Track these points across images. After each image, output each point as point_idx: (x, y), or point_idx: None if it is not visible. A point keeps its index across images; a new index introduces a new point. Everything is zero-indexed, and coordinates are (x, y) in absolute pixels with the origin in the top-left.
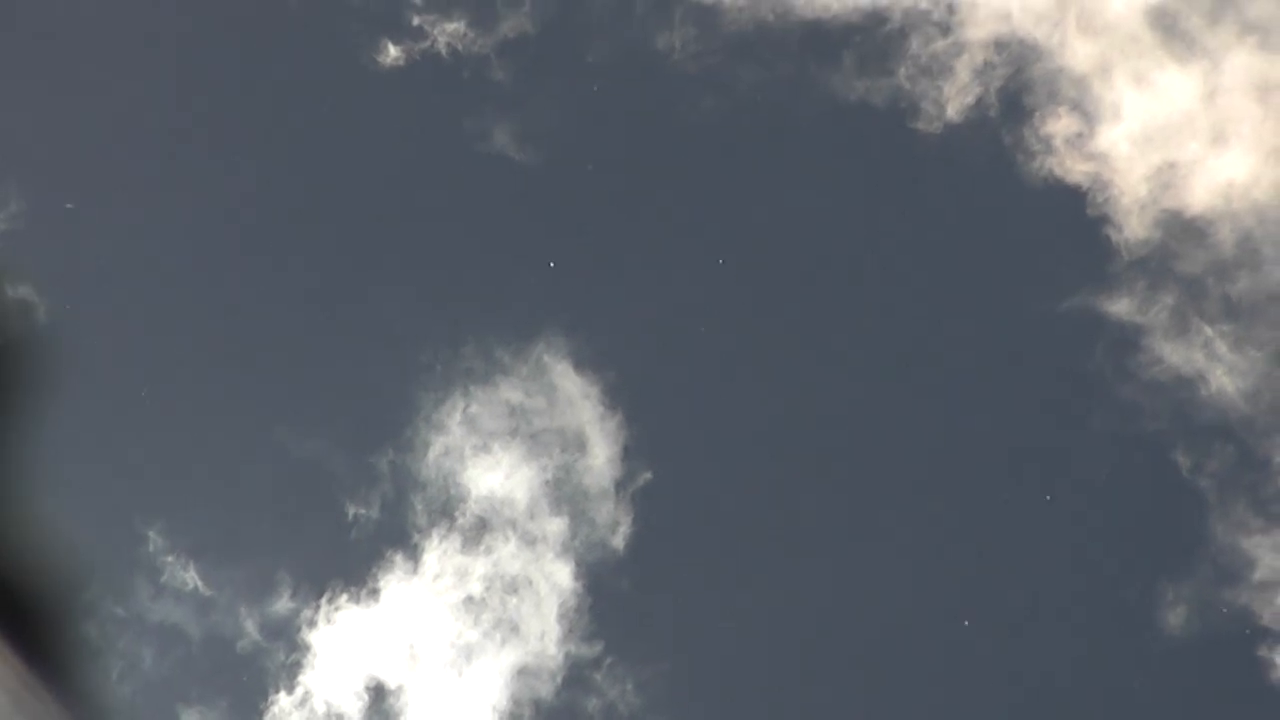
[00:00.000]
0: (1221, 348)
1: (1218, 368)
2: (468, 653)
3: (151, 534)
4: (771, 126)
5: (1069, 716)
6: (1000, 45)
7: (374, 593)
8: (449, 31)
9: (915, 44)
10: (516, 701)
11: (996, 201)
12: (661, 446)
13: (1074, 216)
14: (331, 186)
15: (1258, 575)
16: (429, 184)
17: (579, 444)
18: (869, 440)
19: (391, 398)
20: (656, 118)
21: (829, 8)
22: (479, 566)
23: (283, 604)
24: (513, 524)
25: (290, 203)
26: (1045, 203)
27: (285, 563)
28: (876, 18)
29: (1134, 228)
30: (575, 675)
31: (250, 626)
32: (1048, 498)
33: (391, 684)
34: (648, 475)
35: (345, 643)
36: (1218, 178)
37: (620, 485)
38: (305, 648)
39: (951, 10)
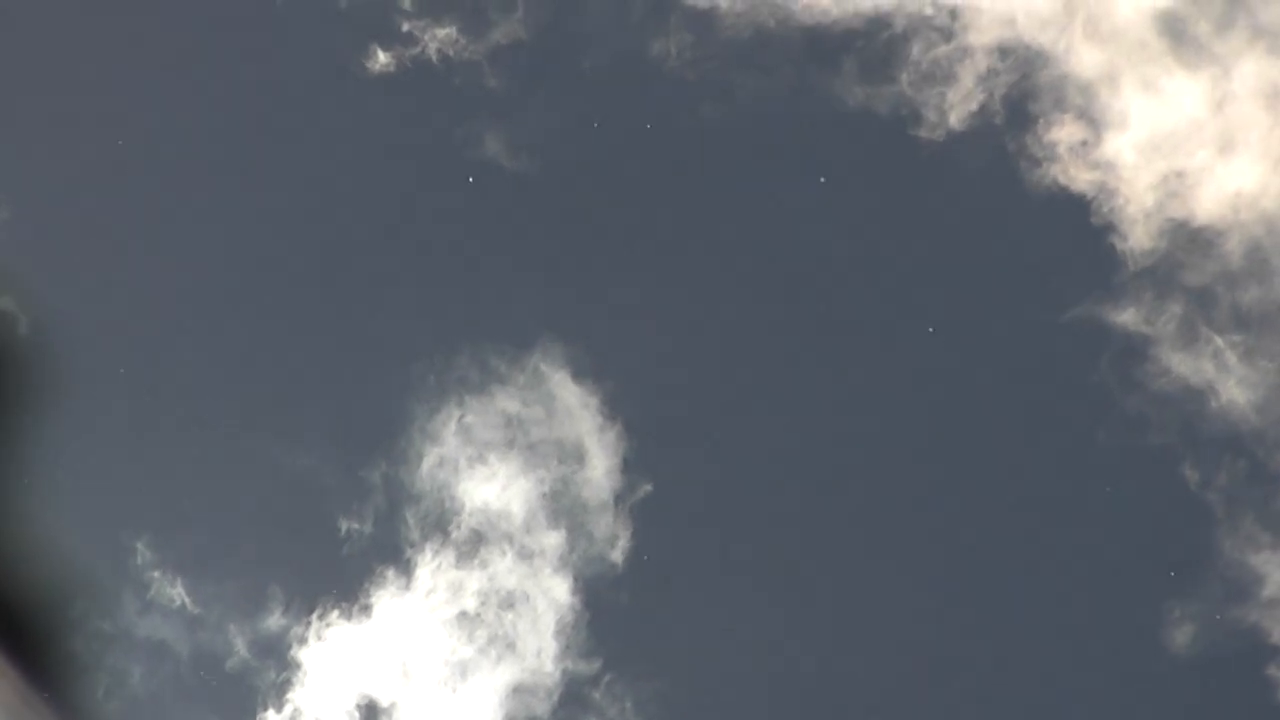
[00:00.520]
0: (1231, 358)
1: (1228, 379)
2: (462, 670)
3: (139, 546)
4: (770, 133)
5: None
6: (1004, 51)
7: (366, 609)
8: (440, 37)
9: (917, 50)
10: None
11: (999, 210)
12: (662, 458)
13: (1079, 226)
14: (320, 195)
15: (1266, 592)
16: (420, 192)
17: (577, 455)
18: (872, 453)
19: (384, 408)
20: (652, 125)
21: (828, 13)
22: (474, 581)
23: (274, 620)
24: (509, 537)
25: (279, 211)
26: (1049, 212)
27: (275, 578)
28: (877, 23)
29: (1140, 237)
30: (573, 693)
31: (240, 644)
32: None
33: (384, 702)
34: (647, 487)
35: (336, 660)
36: (1226, 187)
37: (619, 498)
38: (296, 665)
39: (954, 16)
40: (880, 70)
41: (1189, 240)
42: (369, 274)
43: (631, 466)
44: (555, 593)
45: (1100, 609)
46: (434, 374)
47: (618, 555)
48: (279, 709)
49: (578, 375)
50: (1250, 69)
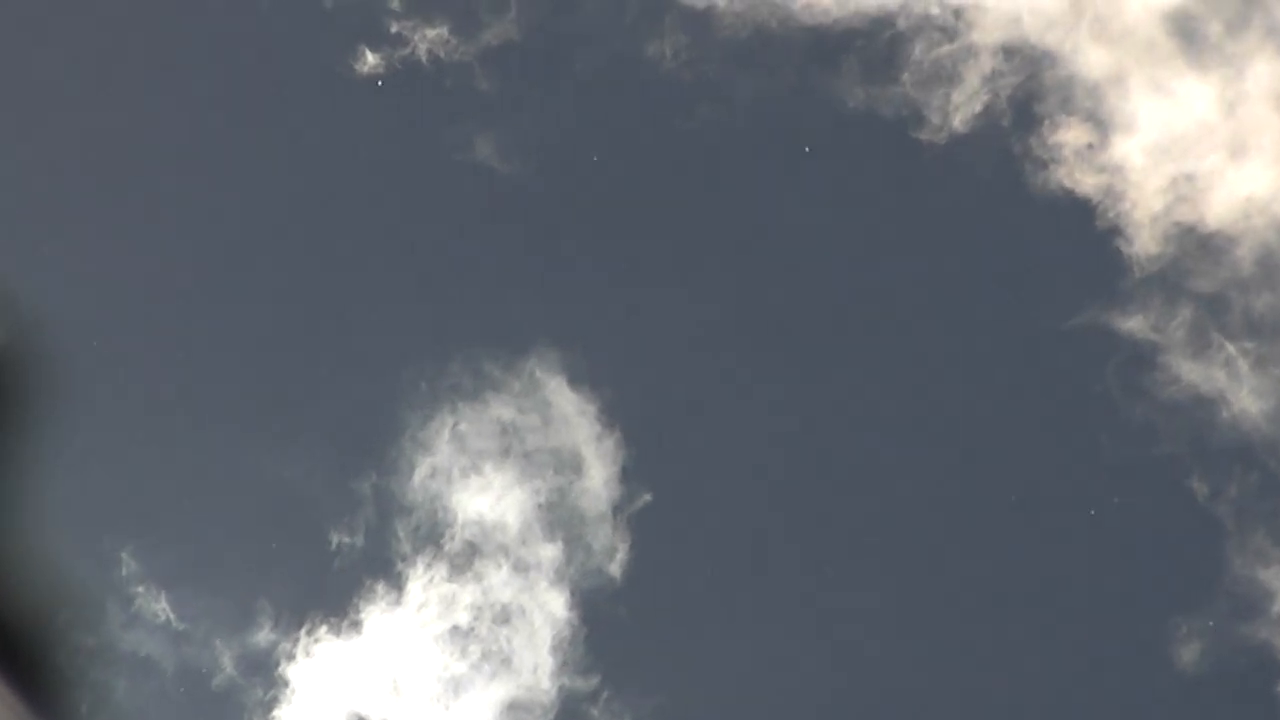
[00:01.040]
0: (1243, 366)
1: (1240, 388)
2: (455, 686)
3: (124, 555)
4: (769, 136)
5: None
6: (1009, 51)
7: (356, 624)
8: (430, 38)
9: (919, 50)
10: None
11: (1003, 214)
12: (662, 467)
13: (1084, 230)
14: (308, 199)
15: (1277, 608)
16: (410, 196)
17: (574, 465)
18: (874, 464)
19: (374, 417)
20: (648, 127)
21: (829, 12)
22: (467, 595)
23: (262, 635)
24: (504, 550)
25: (263, 216)
26: (1054, 216)
27: (263, 592)
28: (879, 22)
29: (1147, 242)
30: (570, 710)
31: (226, 661)
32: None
33: None
34: (647, 498)
35: (326, 677)
36: (1237, 191)
37: (618, 508)
38: (284, 683)
39: (958, 15)
40: (882, 71)
41: (1198, 245)
42: (358, 279)
43: (630, 476)
44: (552, 606)
45: (1105, 624)
46: (426, 381)
47: (616, 568)
48: None
49: (574, 382)
50: (1263, 70)
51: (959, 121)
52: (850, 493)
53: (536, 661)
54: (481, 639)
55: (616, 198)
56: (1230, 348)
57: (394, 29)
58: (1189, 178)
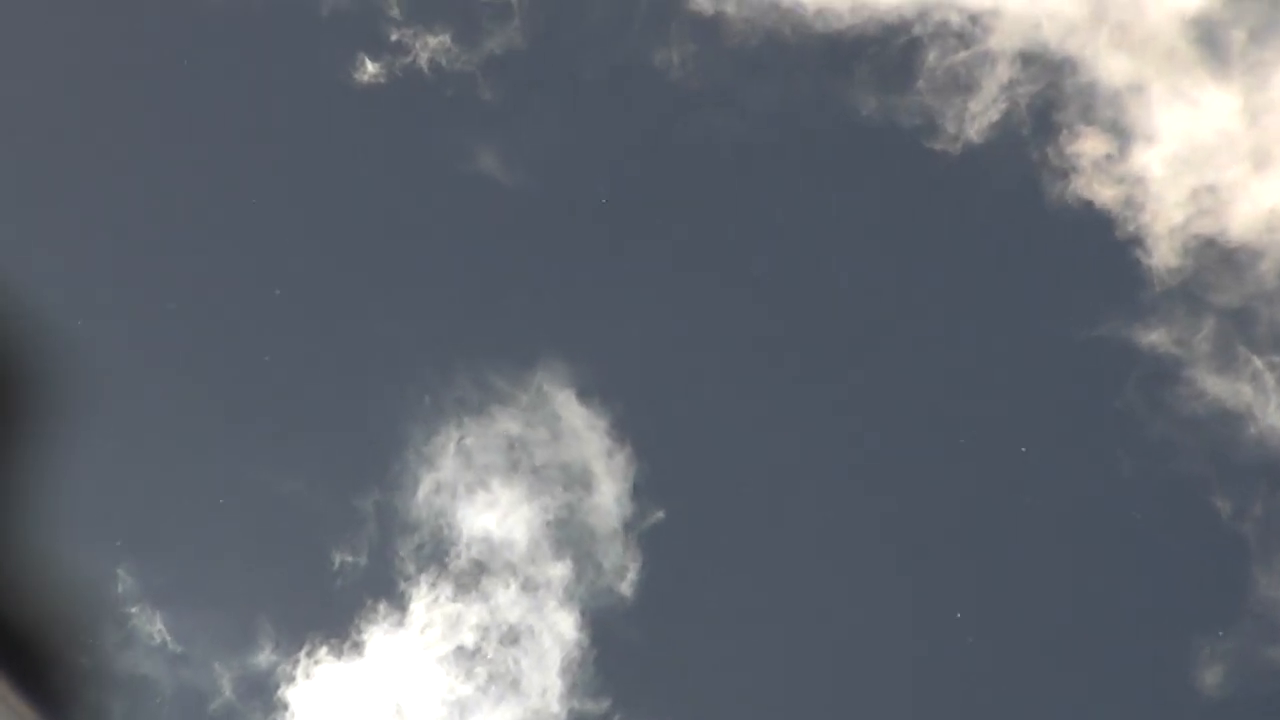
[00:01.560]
0: (1270, 381)
1: (1267, 403)
2: (461, 709)
3: (121, 572)
4: (779, 144)
5: None
6: (1027, 59)
7: (357, 645)
8: (432, 47)
9: (934, 57)
10: None
11: (1020, 225)
12: (673, 483)
13: (1104, 242)
14: (308, 210)
15: None
16: (412, 207)
17: (584, 480)
18: (890, 479)
19: (377, 431)
20: (656, 136)
21: (841, 18)
22: (473, 615)
23: (262, 657)
24: (511, 568)
25: (266, 228)
26: (1073, 227)
27: (262, 613)
28: (893, 29)
29: (1167, 254)
30: None
31: (225, 683)
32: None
33: None
34: (659, 515)
35: (326, 700)
36: (1260, 203)
37: (629, 526)
38: (283, 706)
39: (974, 21)
40: (896, 78)
41: (1221, 258)
42: (359, 292)
43: (642, 492)
44: (561, 627)
45: (1126, 644)
46: (430, 394)
47: (627, 587)
48: None
49: (584, 395)
50: None
51: (975, 130)
52: (867, 508)
53: (545, 684)
54: (488, 660)
55: (624, 208)
56: (1257, 362)
57: (394, 37)
58: (1211, 189)
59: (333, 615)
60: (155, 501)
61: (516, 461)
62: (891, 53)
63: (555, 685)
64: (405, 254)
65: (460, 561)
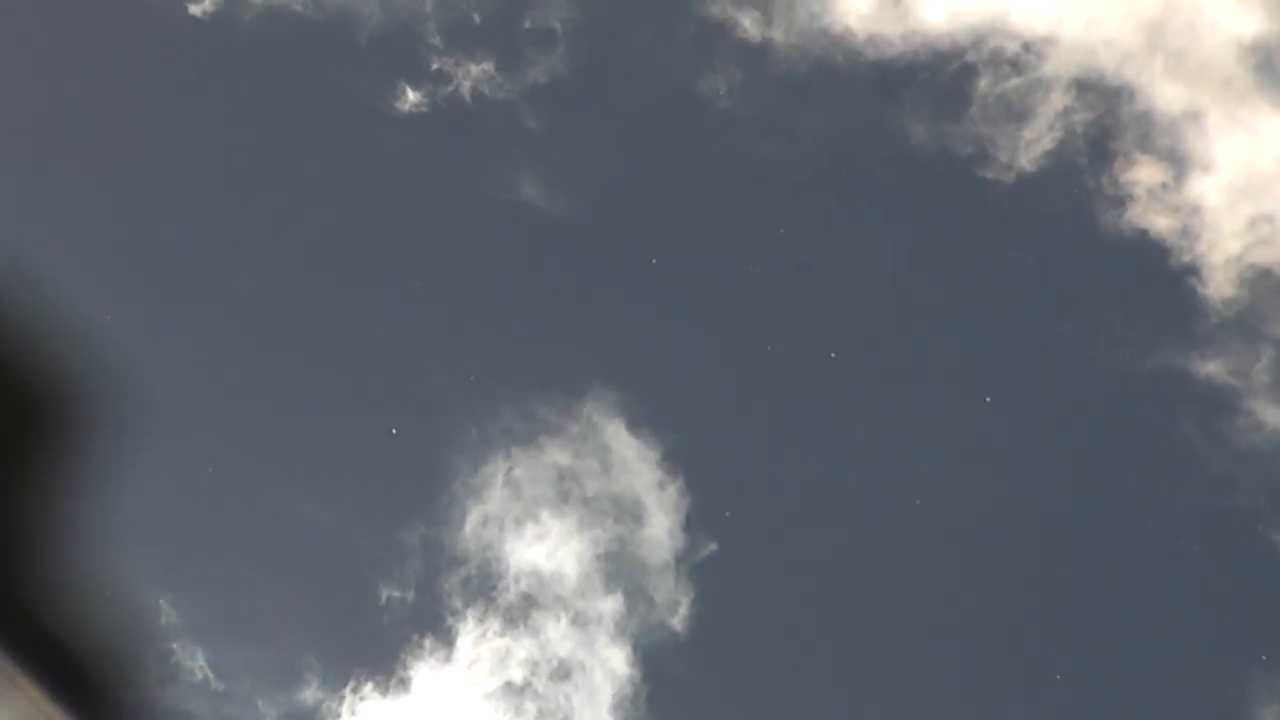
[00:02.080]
0: None
1: None
2: None
3: (164, 604)
4: (829, 173)
5: None
6: (1082, 86)
7: (403, 682)
8: (474, 75)
9: (987, 84)
10: None
11: (1073, 254)
12: (727, 516)
13: (1159, 271)
14: (350, 240)
15: None
16: (454, 237)
17: (635, 513)
18: (947, 510)
19: (423, 463)
20: (703, 164)
21: (892, 44)
22: (521, 650)
23: (309, 694)
24: (561, 602)
25: (306, 257)
26: (1127, 256)
27: (308, 649)
28: (945, 55)
29: (1224, 285)
30: None
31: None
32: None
33: None
34: (712, 547)
35: None
36: None
37: (681, 559)
38: None
39: (1028, 48)
40: (948, 105)
41: (1278, 288)
42: (403, 323)
43: (694, 525)
44: (612, 662)
45: (1183, 679)
46: (476, 426)
47: (680, 622)
48: None
49: (634, 426)
50: None
51: (1028, 159)
52: (923, 542)
53: None
54: (538, 696)
55: (672, 237)
56: None
57: (436, 65)
58: (1269, 218)
59: (379, 651)
60: (198, 533)
61: (566, 493)
62: (943, 79)
63: None
64: (450, 284)
65: (509, 595)
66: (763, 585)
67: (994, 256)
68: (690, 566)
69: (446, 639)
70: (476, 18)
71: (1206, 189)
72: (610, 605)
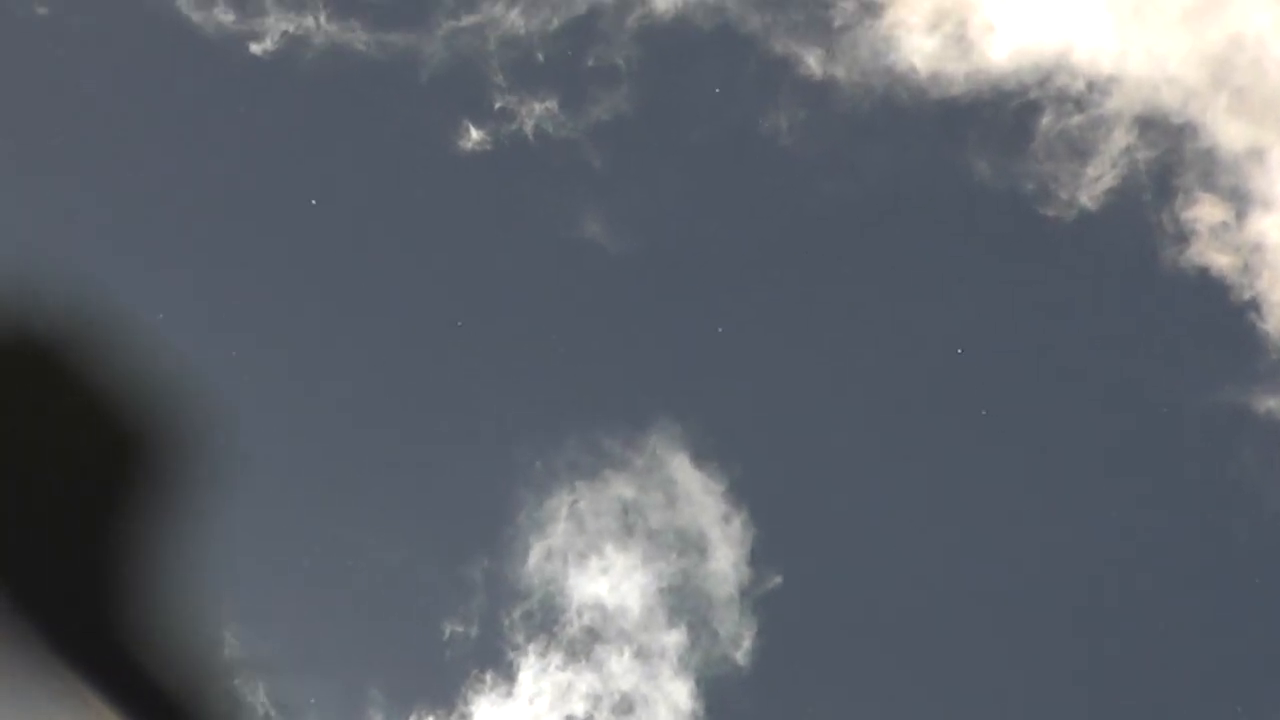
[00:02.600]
0: None
1: None
2: None
3: (228, 636)
4: (893, 210)
5: None
6: (1145, 124)
7: (464, 717)
8: (537, 113)
9: (1049, 121)
10: None
11: (1134, 290)
12: (792, 549)
13: (1220, 308)
14: (414, 278)
15: None
16: (517, 273)
17: (700, 546)
18: (1012, 544)
19: (487, 497)
20: (767, 201)
21: (955, 82)
22: (583, 684)
23: None
24: (625, 635)
25: (373, 295)
26: (1188, 293)
27: (370, 683)
28: (1008, 94)
29: None
30: None
31: None
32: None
33: None
34: (777, 580)
35: None
36: None
37: (746, 592)
38: None
39: (1092, 86)
40: (1011, 143)
41: None
42: (469, 357)
43: (759, 558)
44: (675, 697)
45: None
46: (541, 459)
47: (744, 656)
48: None
49: (699, 459)
50: None
51: (1089, 196)
52: (989, 578)
53: None
54: None
55: (736, 273)
56: None
57: (499, 104)
58: None
59: (441, 686)
60: (263, 568)
61: (631, 526)
62: (1006, 117)
63: None
64: (514, 320)
65: (571, 629)
66: (827, 619)
67: (1056, 293)
68: (754, 600)
69: (508, 673)
70: (540, 55)
71: (1268, 226)
72: (674, 639)
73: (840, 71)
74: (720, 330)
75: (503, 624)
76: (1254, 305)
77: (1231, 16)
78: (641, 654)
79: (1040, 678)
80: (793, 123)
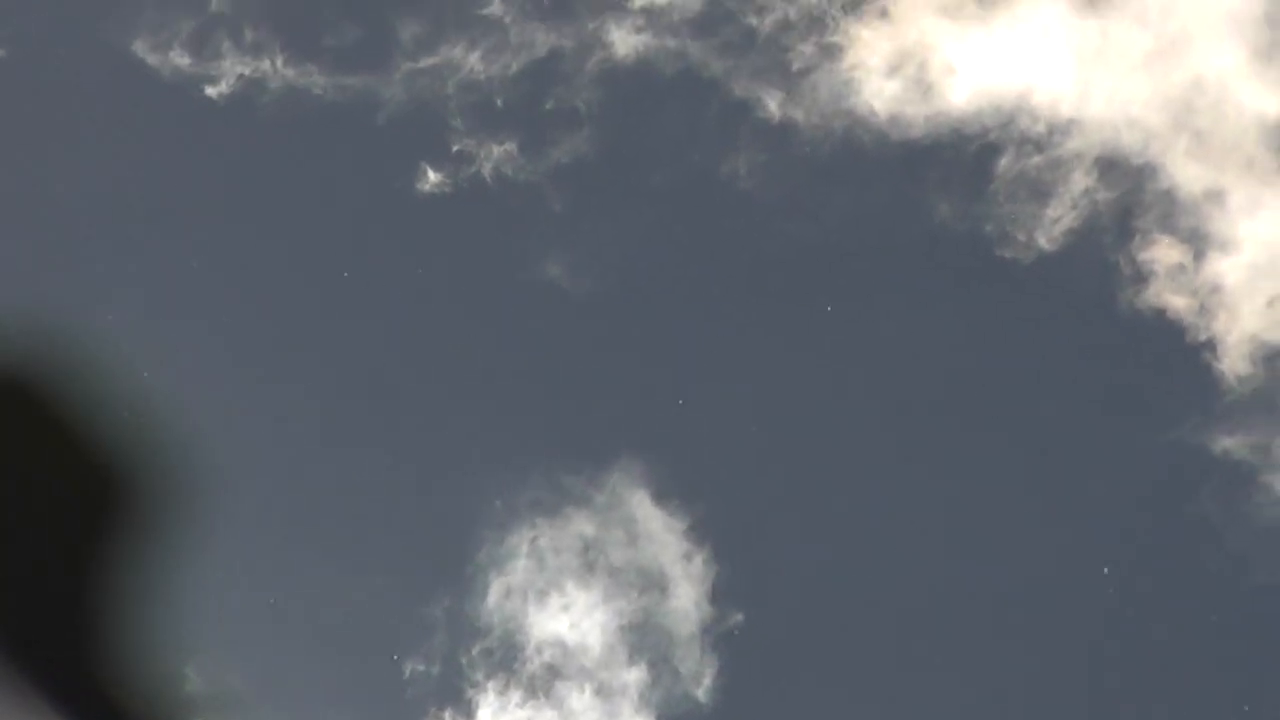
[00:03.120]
0: None
1: None
2: None
3: (189, 672)
4: (851, 253)
5: None
6: (1104, 165)
7: None
8: (496, 156)
9: (1008, 162)
10: None
11: (1091, 331)
12: (753, 587)
13: (1176, 348)
14: (374, 319)
15: None
16: (475, 315)
17: (661, 583)
18: (973, 583)
19: (447, 535)
20: (726, 243)
21: (914, 124)
22: None
23: None
24: (585, 673)
25: (332, 336)
26: (1145, 333)
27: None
28: (968, 136)
29: (1240, 362)
30: None
31: None
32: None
33: None
34: (738, 618)
35: None
36: None
37: (707, 630)
38: None
39: (1052, 128)
40: (970, 185)
41: None
42: (429, 398)
43: (720, 596)
44: None
45: None
46: (502, 497)
47: (704, 693)
48: None
49: (660, 496)
50: None
51: (1047, 239)
52: (953, 614)
53: None
54: None
55: (697, 314)
56: None
57: (457, 146)
58: None
59: None
60: (223, 604)
61: (592, 563)
62: (966, 159)
63: None
64: (474, 361)
65: (531, 666)
66: (788, 657)
67: (1015, 334)
68: (715, 638)
69: (467, 711)
70: (499, 99)
71: (1226, 268)
72: (635, 676)
73: (800, 114)
74: (680, 402)
75: (462, 662)
76: (1209, 346)
77: (1193, 60)
78: (602, 691)
79: (1007, 714)
80: (753, 165)
